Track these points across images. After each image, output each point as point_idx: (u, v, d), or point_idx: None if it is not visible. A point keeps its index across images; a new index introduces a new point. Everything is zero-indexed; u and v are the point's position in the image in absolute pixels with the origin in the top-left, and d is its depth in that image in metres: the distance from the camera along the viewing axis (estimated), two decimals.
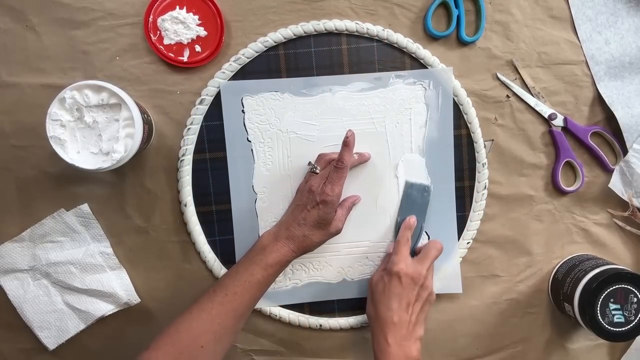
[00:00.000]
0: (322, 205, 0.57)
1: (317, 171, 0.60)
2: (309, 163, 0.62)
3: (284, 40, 0.62)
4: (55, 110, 0.53)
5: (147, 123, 0.58)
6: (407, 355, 0.56)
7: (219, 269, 0.65)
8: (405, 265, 0.58)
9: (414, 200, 0.64)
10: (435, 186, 0.65)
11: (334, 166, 0.57)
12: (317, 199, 0.57)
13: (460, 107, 0.65)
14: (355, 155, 0.62)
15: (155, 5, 0.60)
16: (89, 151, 0.54)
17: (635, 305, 0.59)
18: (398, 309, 0.57)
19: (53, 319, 0.63)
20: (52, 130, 0.53)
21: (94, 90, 0.53)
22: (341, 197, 0.59)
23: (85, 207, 0.62)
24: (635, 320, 0.59)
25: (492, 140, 0.66)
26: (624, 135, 0.65)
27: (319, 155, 0.62)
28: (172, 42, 0.60)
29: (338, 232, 0.60)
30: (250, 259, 0.57)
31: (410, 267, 0.58)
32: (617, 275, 0.59)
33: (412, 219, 0.63)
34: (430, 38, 0.64)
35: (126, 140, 0.54)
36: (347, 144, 0.56)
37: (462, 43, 0.64)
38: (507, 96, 0.65)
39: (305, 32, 0.62)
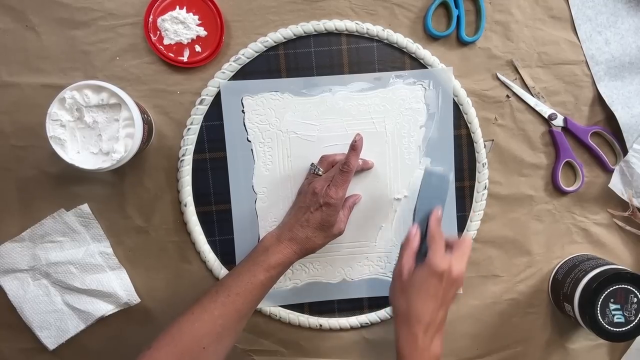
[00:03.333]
0: (326, 208, 0.57)
1: (320, 173, 0.60)
2: (312, 164, 0.62)
3: (284, 40, 0.62)
4: (55, 110, 0.53)
5: (147, 123, 0.58)
6: (435, 354, 0.54)
7: (219, 269, 0.65)
8: (449, 265, 0.54)
9: (435, 188, 0.59)
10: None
11: (340, 169, 0.56)
12: (321, 201, 0.57)
13: (460, 107, 0.65)
14: (359, 160, 0.62)
15: (155, 5, 0.60)
16: (89, 151, 0.54)
17: (635, 305, 0.59)
18: (434, 309, 0.54)
19: (53, 319, 0.63)
20: (52, 130, 0.53)
21: (94, 90, 0.53)
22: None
23: (85, 207, 0.62)
24: (635, 320, 0.59)
25: (492, 140, 0.66)
26: (624, 135, 0.65)
27: (321, 157, 0.62)
28: (172, 42, 0.60)
29: (340, 233, 0.60)
30: (253, 260, 0.57)
31: (453, 268, 0.54)
32: (617, 275, 0.59)
33: (440, 211, 0.58)
34: (430, 38, 0.64)
35: (126, 140, 0.54)
36: (355, 147, 0.57)
37: (462, 43, 0.64)
38: (507, 96, 0.65)
39: (305, 32, 0.62)
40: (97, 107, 0.54)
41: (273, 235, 0.58)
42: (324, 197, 0.56)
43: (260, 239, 0.60)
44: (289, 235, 0.57)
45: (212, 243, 0.65)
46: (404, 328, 0.55)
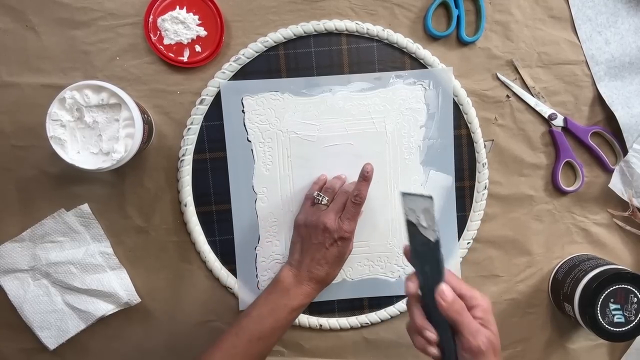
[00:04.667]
0: (341, 242, 0.57)
1: (325, 202, 0.59)
2: (316, 194, 0.60)
3: (284, 40, 0.62)
4: (55, 110, 0.53)
5: (147, 123, 0.58)
6: None
7: (219, 269, 0.65)
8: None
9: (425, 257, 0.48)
10: (435, 186, 0.65)
11: (352, 201, 0.56)
12: (335, 237, 0.56)
13: (460, 107, 0.65)
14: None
15: (155, 5, 0.60)
16: (89, 151, 0.54)
17: (635, 305, 0.59)
18: None
19: (53, 319, 0.63)
20: (52, 130, 0.53)
21: (94, 90, 0.53)
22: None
23: (85, 207, 0.62)
24: (635, 320, 0.59)
25: (492, 140, 0.66)
26: (624, 135, 0.65)
27: (323, 184, 0.61)
28: (172, 42, 0.60)
29: (350, 252, 0.60)
30: (275, 303, 0.56)
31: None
32: (617, 275, 0.59)
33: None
34: (430, 38, 0.64)
35: (126, 140, 0.54)
36: (366, 179, 0.57)
37: (462, 43, 0.64)
38: (507, 96, 0.65)
39: (305, 32, 0.62)
40: (97, 107, 0.54)
41: (290, 275, 0.57)
42: (339, 232, 0.56)
43: (277, 276, 0.58)
44: (308, 276, 0.57)
45: (212, 243, 0.65)
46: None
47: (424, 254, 0.47)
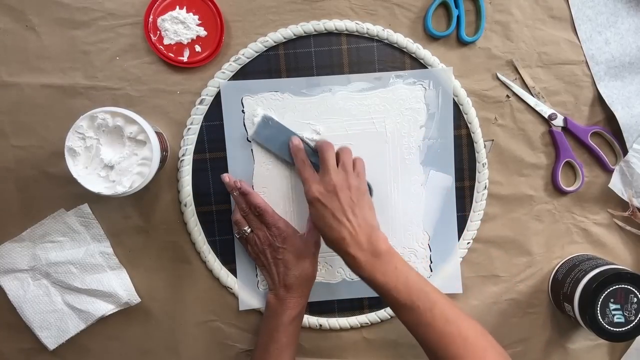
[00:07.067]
0: (283, 242, 0.60)
1: (249, 230, 0.62)
2: (238, 232, 0.62)
3: (284, 40, 0.62)
4: (82, 124, 0.53)
5: (162, 161, 0.58)
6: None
7: (219, 269, 0.65)
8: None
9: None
10: (434, 186, 0.65)
11: (256, 214, 0.61)
12: (277, 244, 0.60)
13: (460, 107, 0.65)
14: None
15: (155, 5, 0.60)
16: (96, 172, 0.54)
17: (635, 305, 0.59)
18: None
19: (53, 319, 0.63)
20: (71, 140, 0.53)
21: (127, 120, 0.53)
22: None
23: (85, 207, 0.62)
24: (635, 320, 0.59)
25: (492, 140, 0.66)
26: (624, 135, 0.65)
27: (234, 222, 0.63)
28: (172, 42, 0.60)
29: (318, 241, 0.63)
30: (271, 328, 0.60)
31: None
32: (617, 275, 0.59)
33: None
34: (430, 38, 0.64)
35: (135, 177, 0.54)
36: (245, 192, 0.61)
37: (462, 43, 0.64)
38: (507, 96, 0.65)
39: (305, 32, 0.62)
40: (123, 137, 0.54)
41: (271, 297, 0.62)
42: (274, 240, 0.60)
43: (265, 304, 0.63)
44: (284, 290, 0.61)
45: (212, 243, 0.65)
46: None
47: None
